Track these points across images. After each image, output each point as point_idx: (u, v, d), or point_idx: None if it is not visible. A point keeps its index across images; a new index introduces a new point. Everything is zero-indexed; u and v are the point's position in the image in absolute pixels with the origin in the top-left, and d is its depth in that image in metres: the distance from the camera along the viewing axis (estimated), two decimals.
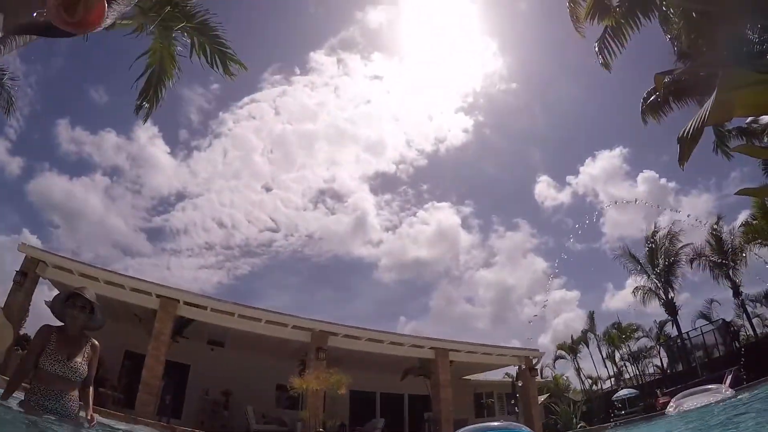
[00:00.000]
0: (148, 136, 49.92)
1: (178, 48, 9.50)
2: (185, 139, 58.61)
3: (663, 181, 56.64)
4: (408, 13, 49.99)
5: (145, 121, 10.60)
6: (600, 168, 63.94)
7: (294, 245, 61.20)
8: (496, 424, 14.22)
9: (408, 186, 72.73)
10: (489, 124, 71.67)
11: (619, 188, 59.45)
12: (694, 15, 7.33)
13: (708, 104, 3.25)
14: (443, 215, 67.55)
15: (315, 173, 63.87)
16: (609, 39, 10.34)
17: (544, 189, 71.58)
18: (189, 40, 9.29)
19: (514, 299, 65.71)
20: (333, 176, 65.03)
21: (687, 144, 3.62)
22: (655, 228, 34.54)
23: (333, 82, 57.71)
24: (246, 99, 50.94)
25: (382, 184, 77.74)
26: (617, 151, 58.71)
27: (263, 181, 60.24)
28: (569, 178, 73.60)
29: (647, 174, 58.60)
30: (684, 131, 3.59)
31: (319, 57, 57.25)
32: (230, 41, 9.53)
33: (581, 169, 69.62)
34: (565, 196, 68.46)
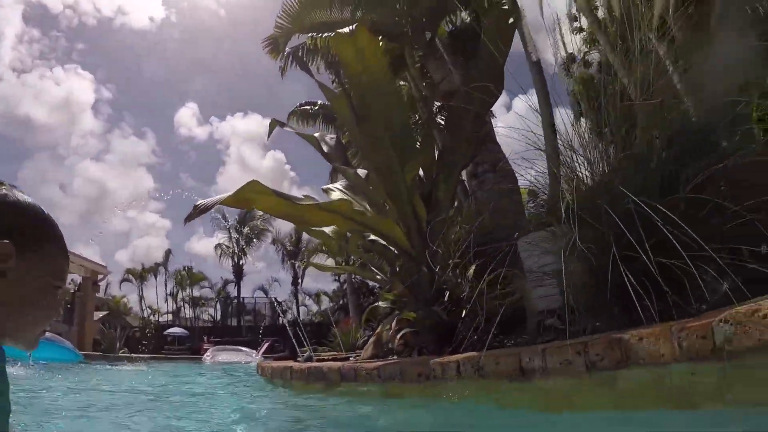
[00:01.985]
0: None
1: None
2: None
3: (287, 167, 62.87)
4: None
5: None
6: (246, 127, 67.28)
7: None
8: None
9: (64, 36, 63.40)
10: (179, 28, 67.90)
11: (251, 153, 63.46)
12: None
13: (229, 194, 4.21)
14: (80, 86, 61.05)
15: None
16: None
17: (187, 116, 71.46)
18: None
19: (108, 205, 63.40)
20: None
21: (198, 212, 4.12)
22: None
23: None
24: None
25: (38, 16, 66.48)
26: (268, 122, 62.41)
27: None
28: (214, 119, 75.11)
29: (278, 155, 64.37)
30: (204, 202, 4.18)
31: None
32: None
33: (229, 118, 71.98)
34: (201, 132, 69.57)
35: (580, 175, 3.42)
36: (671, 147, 3.05)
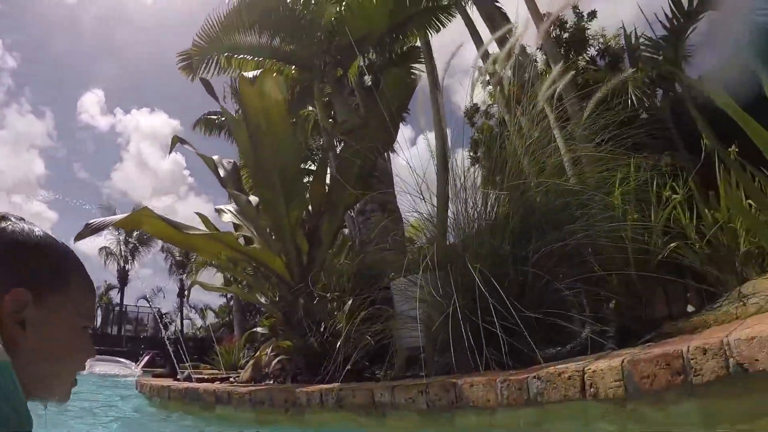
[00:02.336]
0: None
1: None
2: None
3: (187, 172, 61.21)
4: None
5: None
6: (151, 124, 64.80)
7: None
8: None
9: None
10: (99, 6, 64.32)
11: (151, 152, 61.27)
12: None
13: (123, 216, 4.66)
14: None
15: None
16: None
17: (91, 102, 67.65)
18: None
19: None
20: None
21: (90, 231, 4.28)
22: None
23: None
24: None
25: None
26: (176, 122, 60.50)
27: None
28: (118, 111, 71.79)
29: (179, 158, 62.56)
30: (96, 222, 4.40)
31: None
32: None
33: (135, 112, 69.07)
34: (103, 122, 66.19)
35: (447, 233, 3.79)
36: (527, 220, 3.48)
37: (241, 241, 5.41)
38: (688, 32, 8.91)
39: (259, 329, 5.73)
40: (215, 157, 6.19)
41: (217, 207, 6.56)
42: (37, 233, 0.83)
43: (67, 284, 0.84)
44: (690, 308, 3.95)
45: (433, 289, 3.28)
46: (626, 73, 5.64)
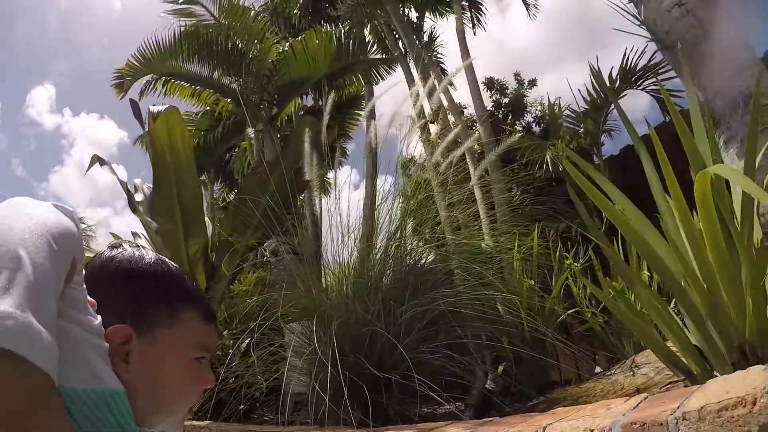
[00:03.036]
0: None
1: None
2: None
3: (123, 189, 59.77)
4: None
5: None
6: (97, 131, 62.95)
7: None
8: None
9: None
10: (67, 1, 62.41)
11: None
12: None
13: None
14: None
15: None
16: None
17: (41, 97, 65.23)
18: None
19: None
20: None
21: None
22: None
23: None
24: None
25: None
26: (123, 133, 58.96)
27: None
28: (67, 111, 69.38)
29: (120, 170, 61.01)
30: None
31: None
32: None
33: (84, 115, 66.92)
34: (50, 121, 63.85)
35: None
36: (405, 280, 3.58)
37: None
38: (610, 108, 9.48)
39: None
40: (137, 181, 6.11)
41: (133, 231, 6.44)
42: (147, 261, 0.81)
43: (176, 315, 0.80)
44: (598, 369, 4.08)
45: (308, 340, 3.35)
46: (515, 140, 5.87)
